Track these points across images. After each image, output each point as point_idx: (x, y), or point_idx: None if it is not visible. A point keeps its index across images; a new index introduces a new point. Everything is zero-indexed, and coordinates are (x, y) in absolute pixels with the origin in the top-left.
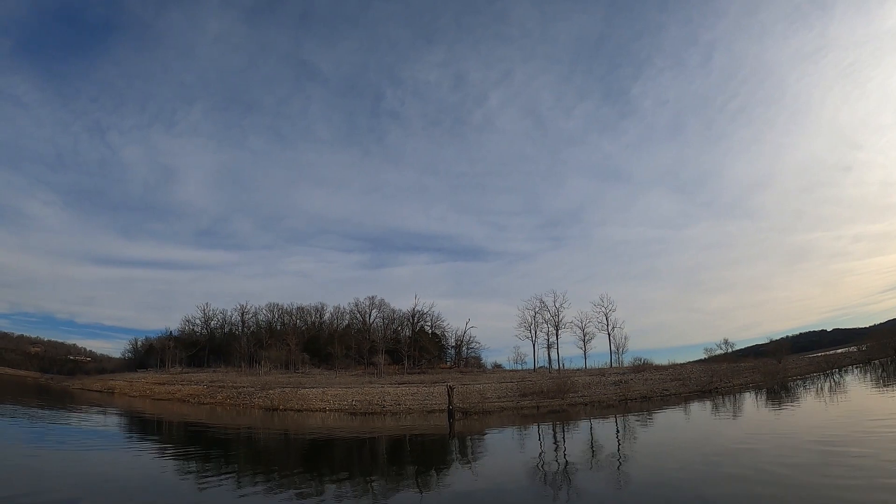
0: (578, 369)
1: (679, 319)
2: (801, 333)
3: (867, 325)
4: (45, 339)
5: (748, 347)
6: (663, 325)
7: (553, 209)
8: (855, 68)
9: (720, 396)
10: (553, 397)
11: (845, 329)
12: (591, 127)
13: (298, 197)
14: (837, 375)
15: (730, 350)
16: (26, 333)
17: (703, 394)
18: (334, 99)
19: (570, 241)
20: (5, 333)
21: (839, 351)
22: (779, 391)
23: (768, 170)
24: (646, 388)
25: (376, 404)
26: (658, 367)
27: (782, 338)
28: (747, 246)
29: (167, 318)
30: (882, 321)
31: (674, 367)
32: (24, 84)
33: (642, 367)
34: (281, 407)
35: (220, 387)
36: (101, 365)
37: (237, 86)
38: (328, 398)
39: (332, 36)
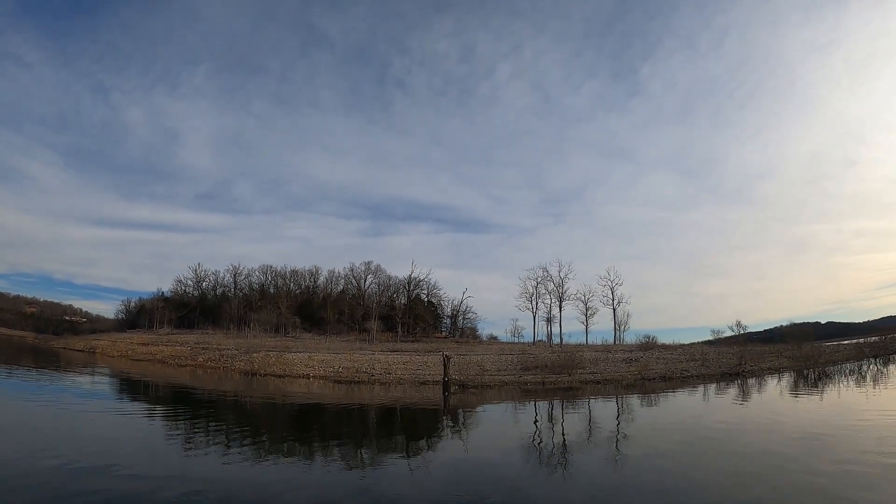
0: (580, 344)
1: (677, 302)
2: (794, 324)
3: (861, 321)
4: (42, 300)
5: (760, 331)
6: (661, 307)
7: (556, 185)
8: (866, 63)
9: (748, 379)
10: (559, 373)
11: (839, 323)
12: (598, 105)
13: (301, 163)
14: (879, 363)
15: (742, 332)
16: (23, 294)
17: (730, 376)
18: (340, 66)
19: (572, 217)
20: (1, 294)
21: (858, 341)
22: (819, 377)
23: (773, 159)
24: (663, 367)
25: (364, 372)
26: (666, 347)
27: (804, 322)
28: (748, 234)
29: (166, 281)
30: (876, 318)
31: (682, 347)
32: (26, 43)
33: (650, 346)
34: (261, 372)
35: (203, 348)
36: (95, 325)
37: (242, 49)
38: (314, 364)
39: (341, 1)
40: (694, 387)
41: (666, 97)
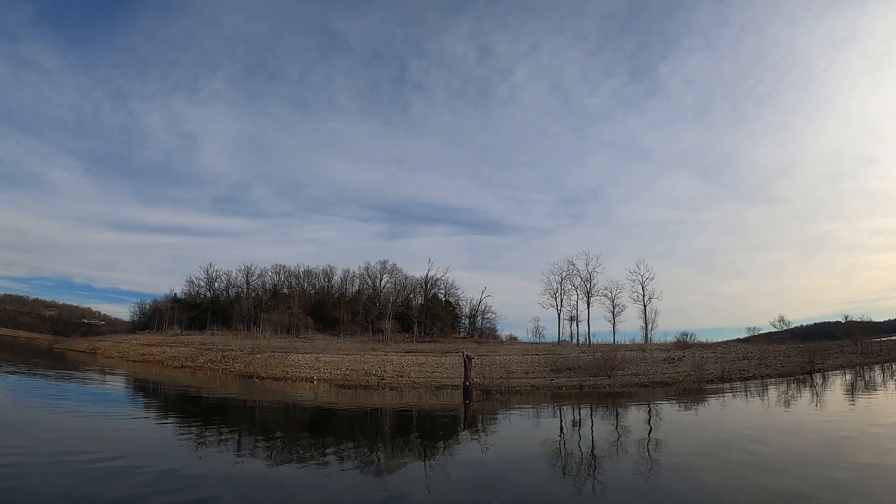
0: (607, 344)
1: (694, 302)
2: (815, 324)
3: (882, 320)
4: (60, 303)
5: (780, 330)
6: (679, 307)
7: (574, 186)
8: (885, 59)
9: (821, 377)
10: (595, 374)
11: (850, 323)
12: (616, 104)
13: (319, 166)
14: None
15: (784, 328)
16: (43, 297)
17: (802, 376)
18: (358, 69)
19: (590, 218)
20: (21, 297)
21: None
22: None
23: (792, 157)
24: (716, 367)
25: (374, 375)
26: (704, 345)
27: (863, 318)
28: (766, 232)
29: (183, 284)
30: (895, 318)
31: (721, 345)
32: (46, 50)
33: (687, 344)
34: (260, 374)
35: (207, 349)
36: (113, 328)
37: (261, 54)
38: (319, 366)
39: (359, 4)
40: (762, 387)
41: (684, 96)
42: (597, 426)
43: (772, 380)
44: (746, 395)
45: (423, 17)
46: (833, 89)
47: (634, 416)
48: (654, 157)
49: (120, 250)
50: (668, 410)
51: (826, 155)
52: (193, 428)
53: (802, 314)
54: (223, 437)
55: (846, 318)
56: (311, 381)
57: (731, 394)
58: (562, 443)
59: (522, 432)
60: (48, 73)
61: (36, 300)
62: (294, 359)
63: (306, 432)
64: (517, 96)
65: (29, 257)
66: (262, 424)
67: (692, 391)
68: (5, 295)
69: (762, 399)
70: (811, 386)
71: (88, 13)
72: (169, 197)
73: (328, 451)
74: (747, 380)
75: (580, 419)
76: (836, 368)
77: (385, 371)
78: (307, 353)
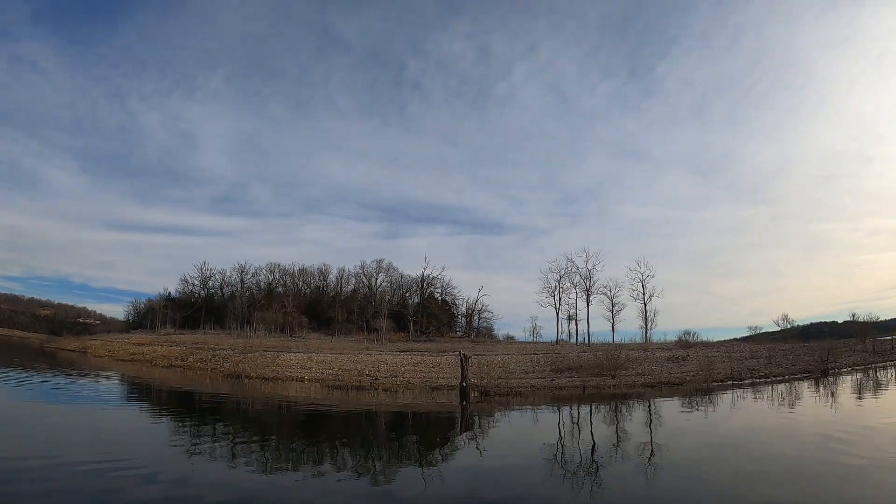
0: (608, 343)
1: (692, 301)
2: (812, 323)
3: (880, 320)
4: (56, 303)
5: (777, 330)
6: (676, 306)
7: (571, 185)
8: (883, 59)
9: (839, 377)
10: (598, 374)
11: (858, 322)
12: (613, 104)
13: (317, 165)
14: None
15: (788, 327)
16: (41, 297)
17: (817, 375)
18: (357, 68)
19: (587, 218)
20: (16, 296)
21: None
22: None
23: (789, 157)
24: (724, 367)
25: (367, 375)
26: (707, 344)
27: (866, 319)
28: (763, 232)
29: (177, 283)
30: (890, 317)
31: (724, 344)
32: (44, 49)
33: (690, 343)
34: (250, 374)
35: (198, 349)
36: (107, 327)
37: (259, 53)
38: (311, 365)
39: (357, 4)
40: (781, 386)
41: (681, 96)
42: (614, 434)
43: (785, 378)
44: (752, 398)
45: (422, 16)
46: (831, 89)
47: (660, 423)
48: (651, 156)
49: (117, 250)
50: (696, 415)
51: (824, 155)
52: (178, 427)
53: (800, 313)
54: (202, 438)
55: (853, 315)
56: (302, 381)
57: (751, 393)
58: (563, 450)
59: (526, 437)
60: (46, 72)
61: (31, 300)
62: (285, 358)
63: (294, 435)
64: (515, 96)
65: (26, 257)
66: (250, 425)
67: (704, 391)
68: (0, 294)
69: (805, 398)
70: (839, 385)
71: (86, 12)
72: (167, 196)
73: (311, 456)
74: (759, 379)
75: (587, 422)
76: (850, 367)
77: (379, 371)
78: (299, 353)
